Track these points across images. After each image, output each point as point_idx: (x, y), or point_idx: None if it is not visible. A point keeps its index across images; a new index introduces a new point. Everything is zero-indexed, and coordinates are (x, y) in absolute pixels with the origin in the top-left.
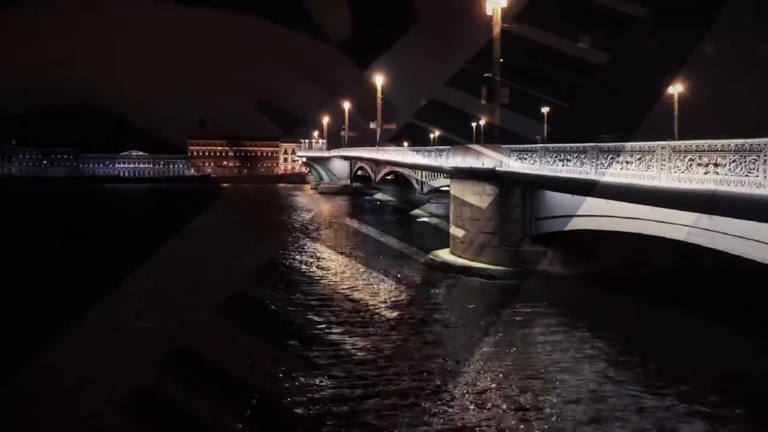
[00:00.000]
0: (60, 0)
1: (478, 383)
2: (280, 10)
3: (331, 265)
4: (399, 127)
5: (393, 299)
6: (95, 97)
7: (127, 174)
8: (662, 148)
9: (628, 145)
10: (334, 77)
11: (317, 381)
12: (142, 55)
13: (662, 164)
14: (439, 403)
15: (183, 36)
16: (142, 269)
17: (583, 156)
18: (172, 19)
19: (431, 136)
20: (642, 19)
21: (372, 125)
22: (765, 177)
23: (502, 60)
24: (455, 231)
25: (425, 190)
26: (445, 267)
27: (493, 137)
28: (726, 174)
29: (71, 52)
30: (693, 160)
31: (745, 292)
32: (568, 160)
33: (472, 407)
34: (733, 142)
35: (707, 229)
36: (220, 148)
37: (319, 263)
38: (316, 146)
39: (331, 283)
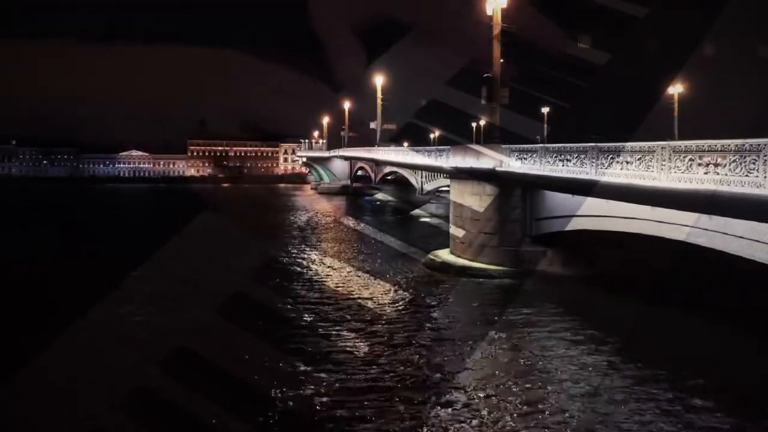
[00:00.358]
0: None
1: (479, 383)
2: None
3: (331, 265)
4: (399, 127)
5: (393, 299)
6: (94, 98)
7: (127, 174)
8: (662, 148)
9: (629, 145)
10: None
11: (317, 381)
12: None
13: (662, 164)
14: (440, 403)
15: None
16: (142, 269)
17: (583, 156)
18: (162, 57)
19: (431, 136)
20: (642, 19)
21: (372, 125)
22: (765, 177)
23: (502, 60)
24: (455, 231)
25: (425, 190)
26: (445, 267)
27: (493, 137)
28: (726, 174)
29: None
30: (693, 160)
31: (745, 292)
32: (568, 160)
33: (472, 407)
34: (733, 143)
35: (708, 230)
36: (220, 148)
37: (319, 263)
38: (316, 146)
39: (331, 283)
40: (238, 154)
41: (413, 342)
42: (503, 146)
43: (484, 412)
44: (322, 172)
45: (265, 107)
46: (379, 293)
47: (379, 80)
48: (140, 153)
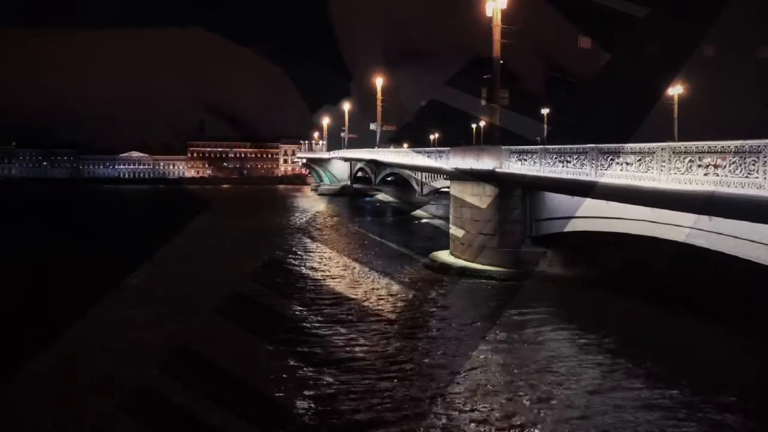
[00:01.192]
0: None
1: (478, 384)
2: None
3: (331, 266)
4: (399, 127)
5: (393, 300)
6: (93, 99)
7: (127, 175)
8: (662, 149)
9: (628, 146)
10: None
11: (317, 381)
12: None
13: (662, 165)
14: (439, 403)
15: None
16: (143, 270)
17: (583, 157)
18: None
19: (431, 137)
20: (642, 19)
21: (372, 126)
22: (765, 178)
23: (502, 61)
24: (455, 232)
25: (425, 191)
26: (445, 268)
27: (493, 138)
28: (726, 175)
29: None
30: (693, 161)
31: (745, 292)
32: (568, 162)
33: (471, 408)
34: (732, 144)
35: (708, 231)
36: (219, 149)
37: (319, 265)
38: (317, 147)
39: (331, 284)
40: (237, 155)
41: (414, 342)
42: (503, 147)
43: (485, 412)
44: (322, 173)
45: (266, 108)
46: (379, 294)
47: (379, 81)
48: (140, 154)
